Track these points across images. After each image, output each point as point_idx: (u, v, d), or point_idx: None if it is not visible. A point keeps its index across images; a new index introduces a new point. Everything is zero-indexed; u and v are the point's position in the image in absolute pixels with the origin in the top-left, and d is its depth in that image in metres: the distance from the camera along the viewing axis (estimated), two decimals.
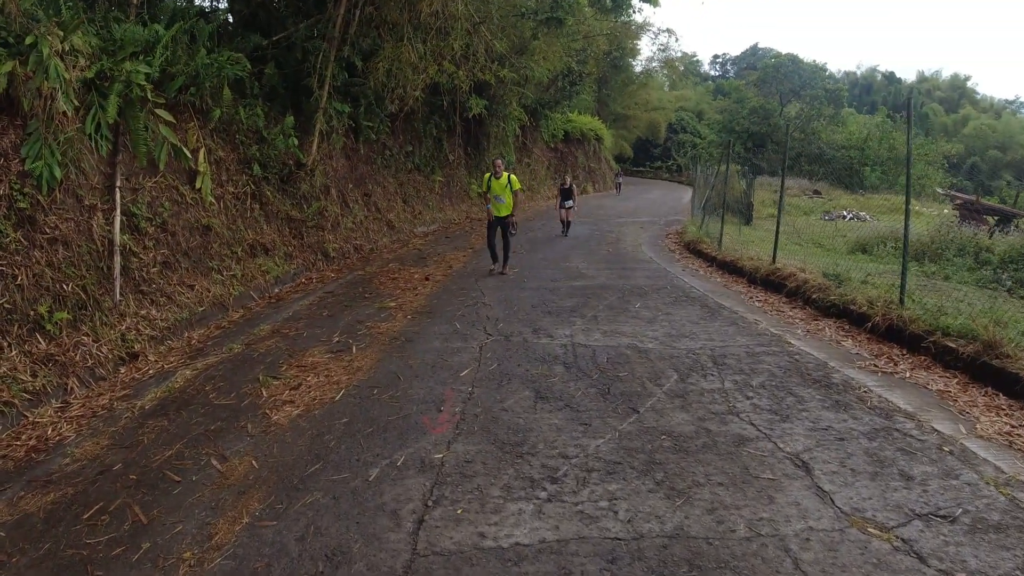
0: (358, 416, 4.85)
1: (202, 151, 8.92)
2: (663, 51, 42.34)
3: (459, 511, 3.49)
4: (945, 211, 22.85)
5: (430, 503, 3.57)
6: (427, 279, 10.38)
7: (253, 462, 4.19)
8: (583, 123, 39.70)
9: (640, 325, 7.31)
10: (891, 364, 5.98)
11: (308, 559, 3.14)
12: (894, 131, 42.45)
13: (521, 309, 8.18)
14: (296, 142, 11.19)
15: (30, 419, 5.14)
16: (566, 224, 16.85)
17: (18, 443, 4.78)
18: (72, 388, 5.71)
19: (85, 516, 3.71)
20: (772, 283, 9.46)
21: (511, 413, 4.81)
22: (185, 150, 8.46)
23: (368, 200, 14.86)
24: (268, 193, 10.67)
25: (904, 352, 6.30)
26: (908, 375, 5.66)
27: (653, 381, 5.46)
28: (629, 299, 8.74)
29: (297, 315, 8.20)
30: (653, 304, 8.42)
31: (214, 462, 4.22)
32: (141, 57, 7.78)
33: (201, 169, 8.83)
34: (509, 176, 10.58)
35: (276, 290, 9.72)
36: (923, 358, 6.05)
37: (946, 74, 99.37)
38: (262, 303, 9.05)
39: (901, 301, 7.01)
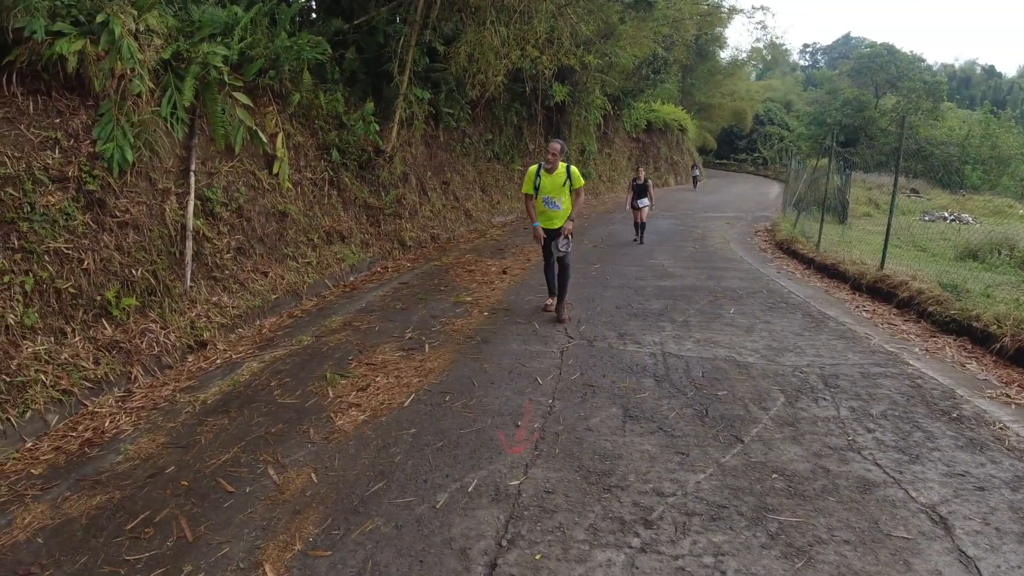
0: (428, 427, 4.42)
1: (280, 136, 8.71)
2: (761, 28, 40.34)
3: (537, 556, 2.99)
4: None
5: (504, 542, 3.10)
6: (504, 272, 9.93)
7: (312, 475, 3.81)
8: (666, 113, 38.40)
9: (737, 334, 6.64)
10: None
11: None
12: (997, 128, 39.54)
13: (604, 310, 7.62)
14: (376, 128, 10.91)
15: (89, 408, 4.97)
16: (640, 227, 13.94)
17: (73, 434, 4.60)
18: (136, 377, 5.53)
19: (129, 526, 3.41)
20: (880, 291, 8.56)
21: (596, 434, 4.28)
22: (262, 134, 8.26)
23: (446, 188, 14.54)
24: (346, 180, 10.43)
25: None
26: None
27: (757, 404, 4.82)
28: (722, 303, 8.04)
29: (370, 306, 7.89)
30: (749, 310, 7.70)
31: (271, 471, 3.87)
32: (219, 39, 7.59)
33: (279, 154, 8.63)
34: (568, 168, 7.12)
35: (351, 278, 9.48)
36: None
37: None
38: (336, 292, 8.81)
39: None
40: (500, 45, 12.22)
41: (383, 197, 11.40)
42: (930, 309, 7.34)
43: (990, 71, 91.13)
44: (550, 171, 7.09)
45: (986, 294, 7.63)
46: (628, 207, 14.10)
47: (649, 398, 4.91)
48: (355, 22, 11.27)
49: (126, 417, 4.87)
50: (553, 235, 7.25)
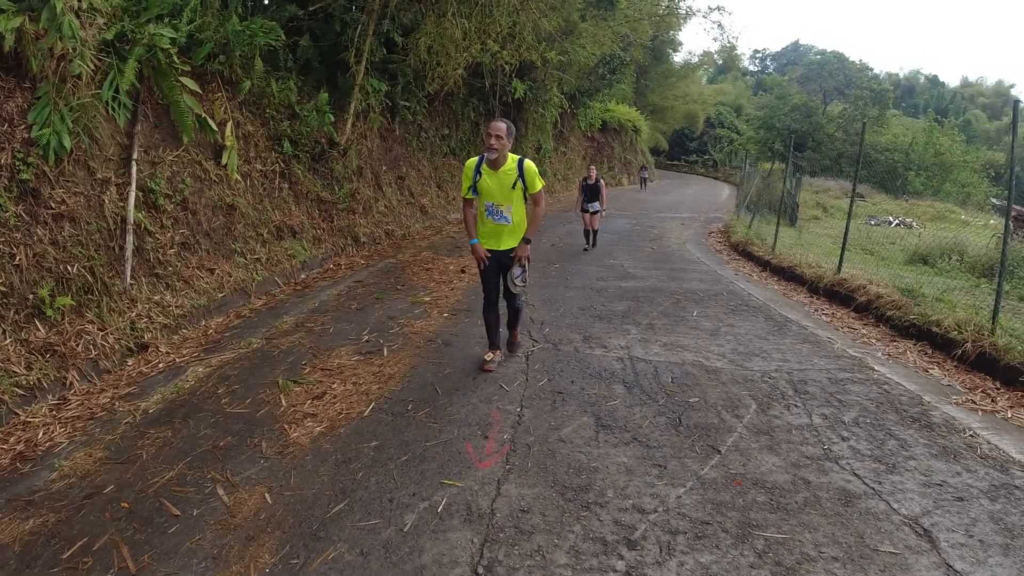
0: (391, 439, 4.14)
1: (229, 124, 8.27)
2: (718, 27, 40.81)
3: None
4: (992, 221, 21.64)
5: (480, 569, 2.86)
6: (463, 271, 9.67)
7: (266, 495, 3.50)
8: (621, 113, 38.61)
9: (703, 338, 6.54)
10: (989, 400, 5.14)
11: None
12: (941, 135, 40.89)
13: (568, 312, 7.44)
14: (331, 119, 10.50)
15: (21, 418, 4.52)
16: (591, 235, 12.50)
17: (4, 447, 4.17)
18: (72, 383, 5.09)
19: (65, 555, 3.05)
20: (838, 295, 8.60)
21: (570, 445, 4.08)
22: (211, 122, 7.82)
23: (402, 184, 14.16)
24: (298, 172, 10.00)
25: (999, 386, 5.45)
26: (1009, 414, 4.84)
27: (730, 411, 4.69)
28: (685, 305, 7.96)
29: (324, 306, 7.53)
30: (712, 313, 7.62)
31: (220, 491, 3.55)
32: (166, 20, 7.13)
33: (228, 144, 8.19)
34: (521, 164, 5.08)
35: (303, 276, 9.08)
36: (1020, 394, 5.22)
37: (990, 81, 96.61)
38: (287, 290, 8.41)
39: (993, 328, 6.15)
40: (461, 38, 11.92)
41: (336, 191, 11.00)
42: (889, 313, 7.37)
43: (933, 80, 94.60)
44: (495, 166, 5.00)
45: (940, 298, 7.72)
46: (578, 210, 12.65)
47: (621, 406, 4.74)
48: (310, 8, 10.81)
49: (61, 428, 4.46)
50: (502, 261, 5.23)
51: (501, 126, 4.92)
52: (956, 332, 6.36)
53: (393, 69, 13.08)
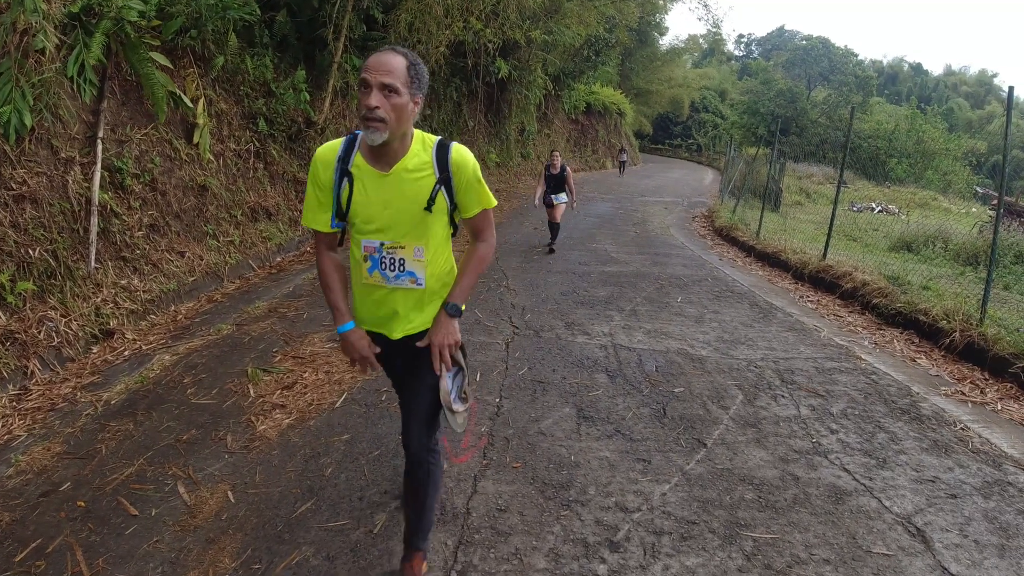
0: (362, 432, 3.97)
1: (201, 102, 7.97)
2: (703, 7, 40.52)
3: None
4: (974, 209, 21.77)
5: (453, 575, 2.71)
6: None
7: (229, 493, 3.32)
8: (606, 96, 38.30)
9: (687, 325, 6.41)
10: (978, 392, 5.09)
11: None
12: (923, 123, 41.09)
13: (550, 297, 7.28)
14: (307, 98, 10.20)
15: None
16: (553, 229, 10.59)
17: None
18: (33, 372, 4.85)
19: (17, 558, 2.86)
20: (823, 282, 8.53)
21: (550, 439, 3.93)
22: (185, 99, 7.53)
23: None
24: (274, 152, 9.70)
25: (987, 377, 5.42)
26: (999, 407, 4.79)
27: (715, 402, 4.57)
28: (668, 291, 7.83)
29: (298, 290, 7.31)
30: (696, 299, 7.51)
31: (181, 489, 3.36)
32: None
33: (200, 122, 7.89)
34: (444, 154, 2.29)
35: (278, 259, 8.83)
36: (1009, 386, 5.18)
37: (974, 70, 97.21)
38: (262, 273, 8.17)
39: (982, 317, 6.09)
40: (443, 15, 11.63)
41: None
42: (875, 301, 7.30)
43: (917, 68, 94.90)
44: (383, 159, 2.27)
45: (926, 287, 7.67)
46: (537, 202, 10.75)
47: (603, 396, 4.60)
48: None
49: (20, 420, 4.23)
50: (404, 359, 2.60)
51: (393, 61, 2.14)
52: (944, 321, 6.30)
53: (373, 47, 12.72)
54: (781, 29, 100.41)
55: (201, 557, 2.83)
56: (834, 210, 9.63)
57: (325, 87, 10.86)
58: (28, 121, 5.43)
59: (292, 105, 9.96)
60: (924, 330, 6.47)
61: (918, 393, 4.95)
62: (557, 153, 10.88)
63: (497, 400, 4.48)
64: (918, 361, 5.81)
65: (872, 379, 5.19)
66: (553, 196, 10.58)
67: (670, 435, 4.05)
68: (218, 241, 7.80)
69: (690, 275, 8.95)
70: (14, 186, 5.36)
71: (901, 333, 6.62)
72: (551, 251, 10.36)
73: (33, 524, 3.12)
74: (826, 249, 9.29)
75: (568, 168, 10.62)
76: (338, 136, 11.24)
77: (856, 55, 52.58)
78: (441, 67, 14.90)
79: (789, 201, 21.34)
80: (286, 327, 5.96)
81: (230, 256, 7.83)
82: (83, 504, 3.27)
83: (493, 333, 5.94)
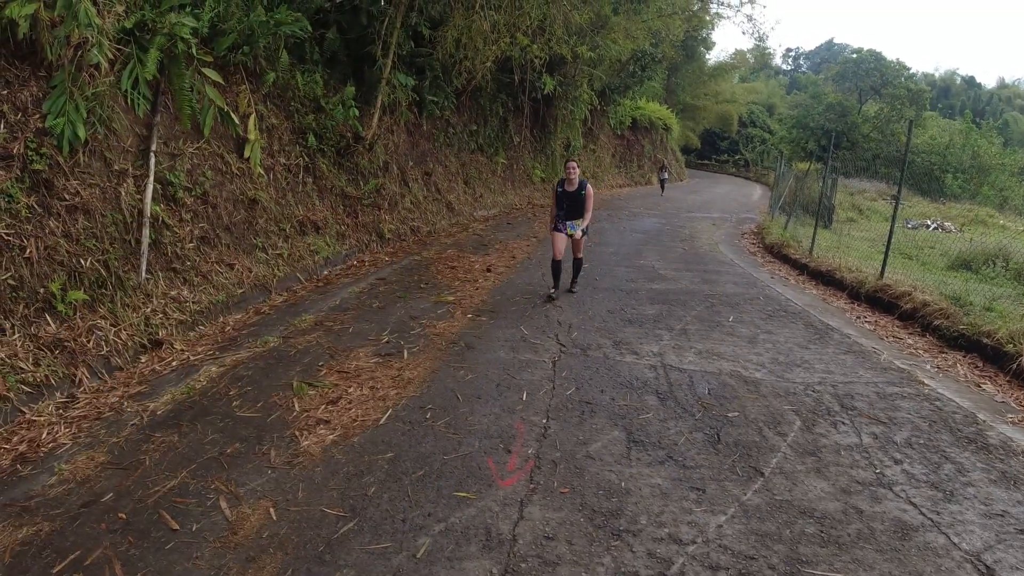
0: (406, 451, 3.88)
1: (252, 117, 8.08)
2: (748, 20, 39.95)
3: None
4: None
5: None
6: (488, 270, 9.39)
7: (271, 510, 3.26)
8: (652, 111, 37.97)
9: (740, 345, 6.19)
10: None
11: None
12: (979, 138, 39.77)
13: (596, 314, 7.13)
14: (356, 113, 10.29)
15: (26, 416, 4.34)
16: (574, 267, 8.39)
17: (6, 447, 3.99)
18: (81, 380, 4.91)
19: (56, 569, 2.84)
20: (881, 302, 8.19)
21: (599, 463, 3.78)
22: (233, 115, 7.63)
23: (428, 179, 13.93)
24: (323, 167, 9.80)
25: None
26: None
27: (772, 428, 4.36)
28: (719, 309, 7.60)
29: (345, 304, 7.30)
30: (748, 318, 7.26)
31: (223, 504, 3.31)
32: (188, 9, 6.94)
33: (251, 137, 8.00)
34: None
35: (325, 272, 8.87)
36: None
37: None
38: (309, 286, 8.20)
39: None
40: (490, 31, 11.63)
41: (362, 186, 10.79)
42: (936, 323, 6.98)
43: (970, 81, 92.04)
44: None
45: (990, 308, 7.29)
46: (549, 229, 8.15)
47: (654, 419, 4.43)
48: (337, 0, 10.61)
49: (66, 428, 4.27)
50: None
51: None
52: (1010, 344, 5.99)
53: (420, 63, 12.85)
54: (830, 42, 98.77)
55: None
56: (892, 227, 9.26)
57: (374, 103, 10.95)
58: (82, 133, 5.54)
59: (341, 121, 10.06)
60: (988, 354, 6.16)
61: (984, 421, 4.67)
62: (574, 164, 7.82)
63: (544, 421, 4.35)
64: (983, 387, 5.51)
65: (936, 405, 4.92)
66: (568, 223, 7.84)
67: (725, 462, 3.86)
68: (267, 254, 7.87)
69: (741, 293, 8.69)
70: (67, 197, 5.46)
71: (964, 356, 6.31)
72: (571, 291, 8.29)
73: (73, 535, 3.10)
74: (883, 267, 8.93)
75: (589, 186, 7.85)
76: (386, 151, 11.38)
77: (908, 68, 51.09)
78: (488, 83, 14.94)
79: (842, 218, 20.74)
80: (332, 341, 5.94)
81: (278, 269, 7.88)
82: (124, 516, 3.25)
83: (539, 351, 5.82)
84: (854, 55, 52.99)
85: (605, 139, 31.61)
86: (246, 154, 7.93)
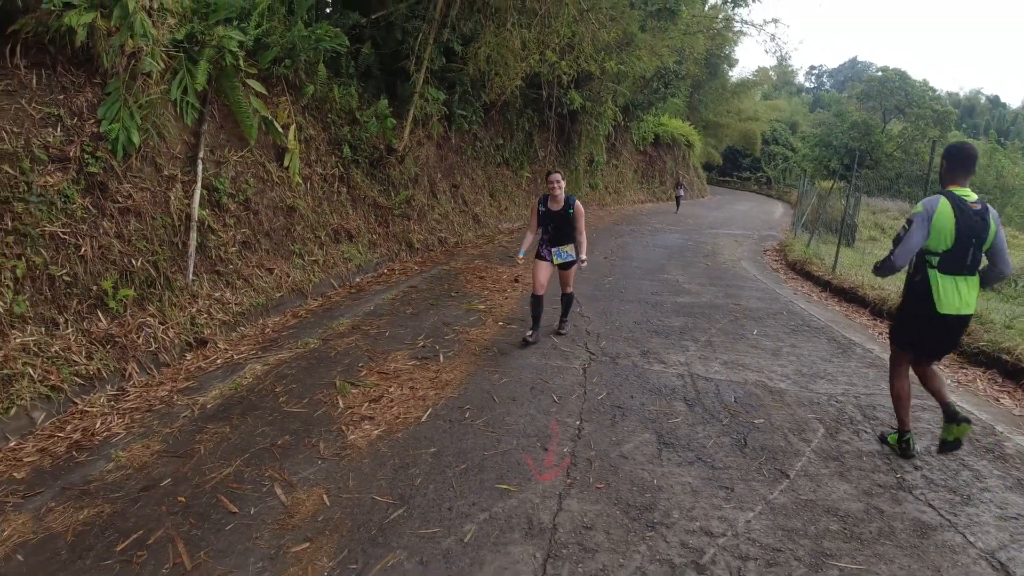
0: (448, 446, 4.06)
1: (292, 128, 8.37)
2: (771, 39, 39.81)
3: None
4: None
5: None
6: (516, 281, 9.58)
7: (324, 496, 3.45)
8: (674, 127, 38.16)
9: (764, 357, 6.31)
10: None
11: None
12: (1003, 158, 39.49)
13: (624, 325, 7.28)
14: (393, 123, 10.58)
15: (79, 407, 4.58)
16: (563, 302, 6.82)
17: (61, 435, 4.22)
18: (131, 374, 5.15)
19: (119, 547, 3.04)
20: None
21: (632, 463, 3.93)
22: (277, 125, 7.92)
23: (455, 192, 14.19)
24: (356, 177, 10.08)
25: None
26: None
27: (796, 434, 4.48)
28: (743, 323, 7.72)
29: (379, 310, 7.52)
30: (772, 332, 7.37)
31: (278, 491, 3.51)
32: (235, 23, 7.26)
33: (291, 147, 8.29)
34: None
35: (357, 279, 9.12)
36: None
37: None
38: (342, 292, 8.44)
39: None
40: (520, 47, 11.90)
41: (392, 197, 11.05)
42: None
43: (995, 101, 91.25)
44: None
45: (1009, 325, 7.36)
46: (522, 254, 6.51)
47: (683, 424, 4.57)
48: (373, 16, 10.94)
49: (118, 419, 4.49)
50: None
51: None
52: None
53: (451, 78, 13.15)
54: (854, 60, 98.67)
55: (300, 555, 2.95)
56: None
57: (406, 116, 11.24)
58: (136, 139, 5.82)
59: (375, 132, 10.34)
60: (1007, 369, 6.26)
61: (1002, 432, 4.78)
62: (558, 177, 6.19)
63: (577, 423, 4.51)
64: (1001, 400, 5.62)
65: None
66: (554, 249, 6.38)
67: (752, 464, 4.00)
68: (303, 260, 8.12)
69: (764, 308, 8.79)
70: (120, 199, 5.73)
71: (984, 372, 6.40)
72: (559, 332, 6.79)
73: (134, 517, 3.31)
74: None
75: (578, 202, 6.36)
76: (416, 163, 11.63)
77: (934, 90, 50.77)
78: (516, 98, 15.20)
79: (864, 236, 20.75)
80: (369, 344, 6.14)
81: (314, 275, 8.13)
82: (183, 500, 3.45)
83: (570, 358, 5.98)
84: (879, 73, 52.74)
85: (628, 155, 31.80)
86: (285, 163, 8.21)
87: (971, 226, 3.83)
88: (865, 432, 4.61)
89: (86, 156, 5.45)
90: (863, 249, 17.11)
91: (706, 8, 28.93)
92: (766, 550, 3.08)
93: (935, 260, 3.93)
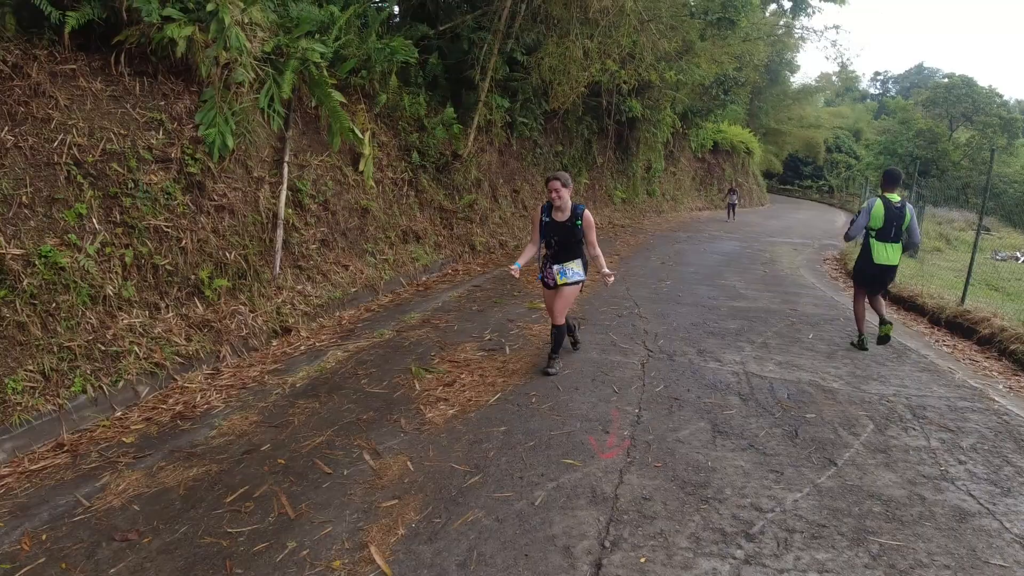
0: (517, 426, 4.43)
1: (368, 134, 8.90)
2: (832, 45, 39.17)
3: (642, 559, 2.97)
4: None
5: (607, 544, 3.07)
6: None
7: (408, 463, 3.86)
8: (734, 134, 37.83)
9: (818, 359, 6.48)
10: None
11: None
12: None
13: (680, 326, 7.53)
14: (460, 129, 11.06)
15: (179, 383, 5.12)
16: (553, 336, 5.64)
17: (164, 407, 4.75)
18: (224, 356, 5.70)
19: (228, 499, 3.49)
20: (960, 327, 8.26)
21: (688, 446, 4.22)
22: (357, 131, 8.46)
23: (516, 197, 14.61)
24: (424, 181, 10.59)
25: None
26: None
27: (846, 429, 4.69)
28: (799, 327, 7.86)
29: (446, 306, 7.96)
30: (828, 336, 7.51)
31: (366, 457, 3.93)
32: (316, 36, 7.80)
33: (366, 152, 8.81)
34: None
35: (423, 278, 9.60)
36: None
37: None
38: (410, 290, 8.92)
39: None
40: (582, 57, 12.24)
41: (457, 201, 11.52)
42: (1012, 347, 7.08)
43: None
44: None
45: None
46: (518, 267, 5.41)
47: (736, 415, 4.83)
48: (440, 28, 11.45)
49: (216, 394, 5.01)
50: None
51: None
52: None
53: (514, 86, 13.57)
54: (920, 66, 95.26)
55: (390, 510, 3.35)
56: (973, 254, 9.30)
57: (470, 123, 11.70)
58: (231, 143, 6.37)
59: (441, 139, 10.83)
60: None
61: None
62: (558, 184, 5.33)
63: (636, 411, 4.81)
64: None
65: (1004, 419, 5.11)
66: (556, 267, 5.59)
67: (802, 453, 4.23)
68: (375, 258, 8.63)
69: (821, 314, 8.89)
70: (215, 197, 6.30)
71: None
72: (546, 372, 5.55)
73: (239, 475, 3.77)
74: (964, 293, 8.98)
75: (587, 212, 5.45)
76: (479, 169, 12.07)
77: (1001, 96, 48.93)
78: (578, 106, 15.51)
79: (928, 247, 20.28)
80: (440, 336, 6.57)
81: (384, 272, 8.63)
82: (282, 462, 3.90)
83: (628, 354, 6.28)
84: (945, 79, 51.18)
85: (686, 162, 31.76)
86: (360, 167, 8.73)
87: (894, 215, 6.51)
88: (914, 429, 4.77)
89: (186, 157, 6.02)
90: (925, 260, 16.82)
91: (767, 14, 28.71)
92: (812, 525, 3.33)
93: (874, 233, 6.65)
